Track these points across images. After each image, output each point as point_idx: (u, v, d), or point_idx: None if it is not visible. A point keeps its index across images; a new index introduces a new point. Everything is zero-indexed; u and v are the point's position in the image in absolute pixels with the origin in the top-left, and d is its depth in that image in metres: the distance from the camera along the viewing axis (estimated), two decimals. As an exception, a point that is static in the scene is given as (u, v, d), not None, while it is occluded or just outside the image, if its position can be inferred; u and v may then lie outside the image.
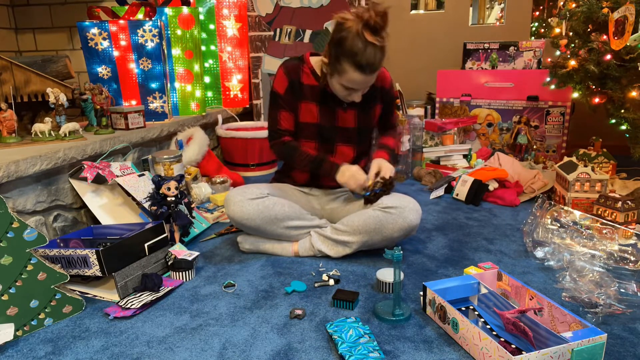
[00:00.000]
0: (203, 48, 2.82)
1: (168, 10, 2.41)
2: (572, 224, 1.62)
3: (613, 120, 2.04)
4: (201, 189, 2.11)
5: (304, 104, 1.55)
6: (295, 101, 1.55)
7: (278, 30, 3.06)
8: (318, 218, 1.61)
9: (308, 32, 3.06)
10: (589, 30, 2.02)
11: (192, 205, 1.71)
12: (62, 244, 1.49)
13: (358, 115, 1.59)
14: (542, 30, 3.19)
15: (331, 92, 1.52)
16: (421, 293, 1.25)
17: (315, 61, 1.55)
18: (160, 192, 1.56)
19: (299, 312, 1.21)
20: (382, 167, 1.50)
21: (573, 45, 2.14)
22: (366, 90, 1.49)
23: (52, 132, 1.77)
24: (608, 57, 1.83)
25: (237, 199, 1.51)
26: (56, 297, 1.21)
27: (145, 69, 2.22)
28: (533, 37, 3.23)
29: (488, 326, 1.10)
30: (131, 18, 2.23)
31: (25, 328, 1.16)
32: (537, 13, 3.23)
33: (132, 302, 1.27)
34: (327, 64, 1.42)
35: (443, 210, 2.05)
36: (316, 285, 1.37)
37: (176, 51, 2.47)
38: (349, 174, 1.48)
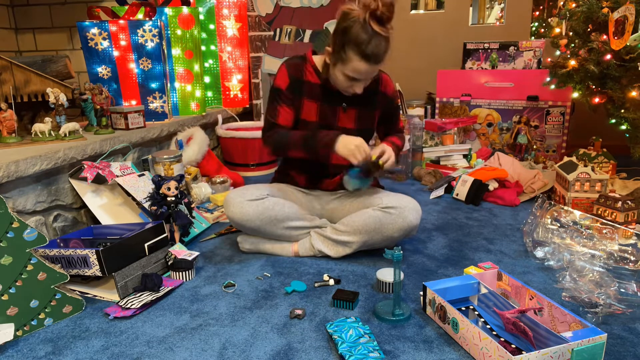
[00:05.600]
0: (203, 48, 2.82)
1: (168, 10, 2.41)
2: (572, 224, 1.62)
3: (613, 120, 2.04)
4: (201, 189, 2.11)
5: (306, 101, 1.55)
6: (297, 98, 1.55)
7: (278, 30, 3.06)
8: (318, 218, 1.62)
9: (308, 32, 3.06)
10: (589, 30, 2.02)
11: (192, 205, 1.71)
12: (62, 244, 1.49)
13: (357, 116, 1.59)
14: (542, 30, 3.19)
15: (333, 90, 1.52)
16: (421, 293, 1.25)
17: (318, 59, 1.56)
18: (160, 192, 1.56)
19: (299, 312, 1.21)
20: (385, 149, 1.48)
21: (573, 45, 2.14)
22: (368, 82, 1.48)
23: (52, 132, 1.77)
24: (608, 57, 1.83)
25: (237, 200, 1.50)
26: (56, 297, 1.21)
27: (145, 69, 2.22)
28: (533, 37, 3.23)
29: (488, 326, 1.10)
30: (131, 18, 2.23)
31: (25, 328, 1.16)
32: (537, 13, 3.23)
33: (132, 302, 1.27)
34: (332, 54, 1.42)
35: (443, 210, 2.05)
36: (316, 285, 1.37)
37: (176, 51, 2.47)
38: (354, 146, 1.39)
